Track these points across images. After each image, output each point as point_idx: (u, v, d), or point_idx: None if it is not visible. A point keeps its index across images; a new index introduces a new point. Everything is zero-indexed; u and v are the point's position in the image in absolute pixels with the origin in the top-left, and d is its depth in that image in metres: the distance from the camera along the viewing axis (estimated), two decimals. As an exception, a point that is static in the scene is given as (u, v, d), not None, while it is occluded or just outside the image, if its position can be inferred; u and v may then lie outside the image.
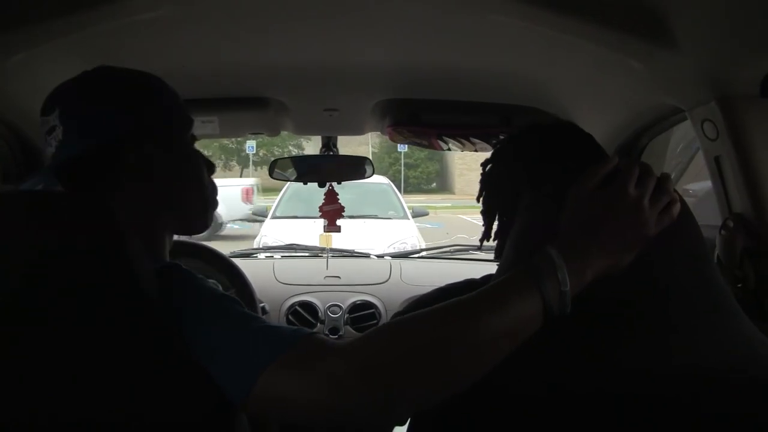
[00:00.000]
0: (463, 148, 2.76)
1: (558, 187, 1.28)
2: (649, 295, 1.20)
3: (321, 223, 3.40)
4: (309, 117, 2.75)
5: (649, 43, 1.64)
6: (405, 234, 10.47)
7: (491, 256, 4.14)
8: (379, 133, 2.97)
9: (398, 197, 12.73)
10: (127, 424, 1.13)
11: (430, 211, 12.91)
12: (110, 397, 1.13)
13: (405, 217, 11.92)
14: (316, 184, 3.20)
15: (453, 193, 34.43)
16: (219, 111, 2.52)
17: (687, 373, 1.16)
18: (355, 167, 3.22)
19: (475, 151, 2.77)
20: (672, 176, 1.32)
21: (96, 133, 1.39)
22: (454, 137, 2.67)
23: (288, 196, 12.08)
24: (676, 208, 1.24)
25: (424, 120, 2.61)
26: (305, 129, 2.99)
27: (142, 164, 1.42)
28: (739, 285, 1.72)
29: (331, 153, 3.13)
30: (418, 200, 17.40)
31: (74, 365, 1.13)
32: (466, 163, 32.10)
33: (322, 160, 3.16)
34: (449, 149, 2.80)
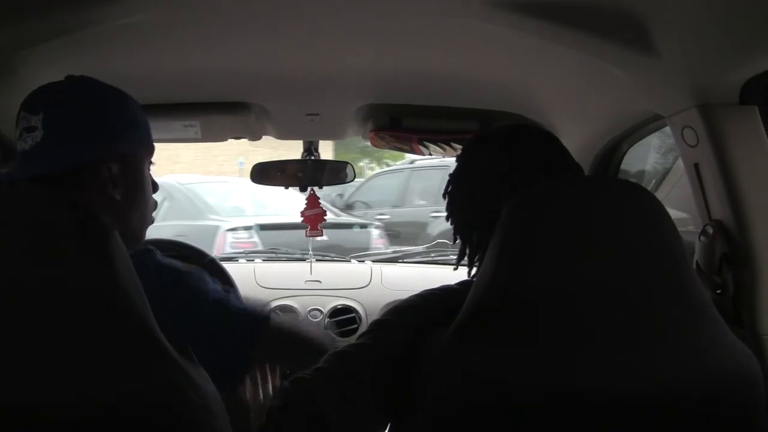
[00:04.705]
0: (445, 153, 2.76)
1: None
2: (624, 303, 1.20)
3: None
4: (290, 122, 2.75)
5: (631, 51, 1.65)
6: None
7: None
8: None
9: None
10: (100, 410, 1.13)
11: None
12: (85, 384, 1.12)
13: None
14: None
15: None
16: (200, 115, 2.51)
17: (660, 382, 1.17)
18: (337, 172, 3.21)
19: (456, 156, 2.77)
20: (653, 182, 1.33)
21: (73, 152, 1.51)
22: (435, 142, 2.67)
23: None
24: None
25: (406, 125, 2.61)
26: (287, 134, 2.98)
27: (104, 180, 1.54)
28: (718, 291, 1.73)
29: (313, 158, 3.12)
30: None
31: (57, 354, 1.12)
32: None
33: (303, 165, 3.15)
34: (430, 154, 2.80)
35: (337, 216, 9.49)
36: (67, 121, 1.51)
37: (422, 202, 10.97)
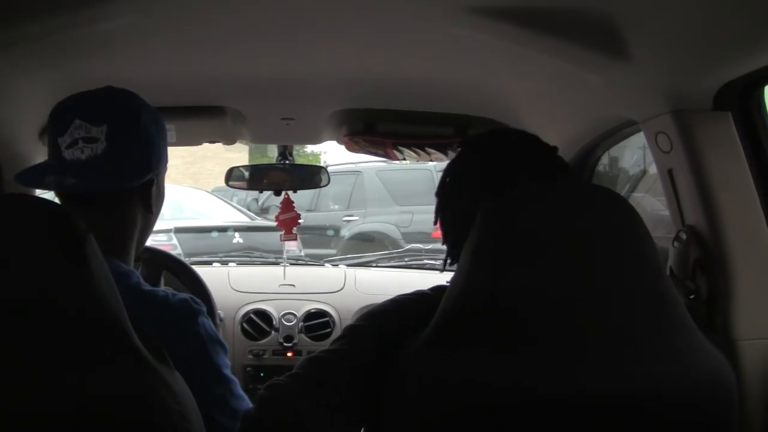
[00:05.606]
0: (419, 158, 2.77)
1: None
2: (599, 307, 1.20)
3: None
4: (266, 126, 2.74)
5: (605, 57, 1.65)
6: None
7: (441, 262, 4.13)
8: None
9: None
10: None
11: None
12: (61, 388, 1.11)
13: None
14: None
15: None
16: (176, 119, 2.50)
17: (635, 387, 1.17)
18: (311, 176, 3.21)
19: (431, 161, 2.78)
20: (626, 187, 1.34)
21: (136, 170, 1.56)
22: (409, 147, 2.68)
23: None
24: None
25: (380, 130, 2.61)
26: (262, 138, 2.97)
27: (148, 197, 1.62)
28: (692, 296, 1.74)
29: (287, 162, 3.12)
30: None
31: (31, 358, 1.11)
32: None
33: (278, 169, 3.14)
34: (404, 159, 2.81)
35: (252, 220, 9.80)
36: (133, 138, 1.56)
37: (335, 207, 11.44)
